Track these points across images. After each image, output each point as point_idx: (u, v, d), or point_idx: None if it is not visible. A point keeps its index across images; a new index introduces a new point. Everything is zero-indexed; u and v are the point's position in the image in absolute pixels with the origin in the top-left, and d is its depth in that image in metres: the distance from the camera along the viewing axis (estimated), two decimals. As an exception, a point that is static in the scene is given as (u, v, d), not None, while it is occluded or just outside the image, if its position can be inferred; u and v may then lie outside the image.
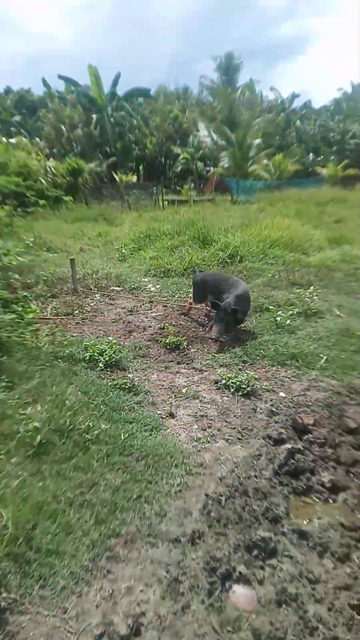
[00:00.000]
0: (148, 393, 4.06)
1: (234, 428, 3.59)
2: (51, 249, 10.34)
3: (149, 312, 6.34)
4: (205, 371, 4.59)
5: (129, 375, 4.28)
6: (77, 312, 6.16)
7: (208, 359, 4.87)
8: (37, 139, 35.19)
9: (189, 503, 2.77)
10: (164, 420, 3.66)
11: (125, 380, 4.10)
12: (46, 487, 2.73)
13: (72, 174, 19.91)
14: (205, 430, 3.55)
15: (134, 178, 32.25)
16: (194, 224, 10.54)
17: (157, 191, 23.51)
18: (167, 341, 5.09)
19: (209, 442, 3.39)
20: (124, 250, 9.73)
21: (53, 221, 15.57)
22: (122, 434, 3.28)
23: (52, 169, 19.05)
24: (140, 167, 37.21)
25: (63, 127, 34.19)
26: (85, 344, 4.74)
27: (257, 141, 28.18)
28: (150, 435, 3.40)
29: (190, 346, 5.19)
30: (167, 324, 5.74)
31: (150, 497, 2.77)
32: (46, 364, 4.31)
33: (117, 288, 7.37)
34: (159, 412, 3.77)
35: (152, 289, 7.38)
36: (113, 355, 4.54)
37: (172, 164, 38.00)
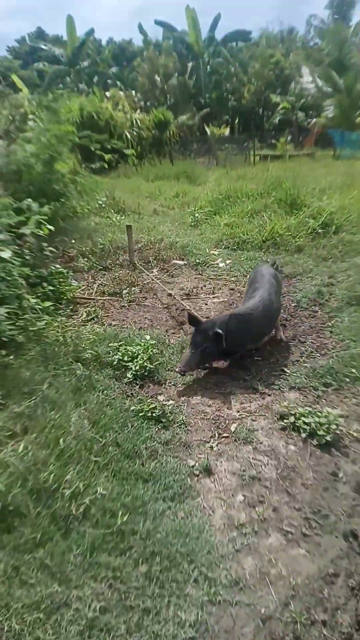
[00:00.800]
0: (183, 426, 2.90)
1: (299, 509, 2.31)
2: (122, 211, 9.32)
3: (211, 296, 5.07)
4: (269, 395, 3.28)
5: (159, 397, 3.13)
6: (125, 291, 5.09)
7: (275, 374, 3.55)
8: (132, 91, 33.86)
9: (203, 666, 1.64)
10: (196, 478, 2.50)
11: (154, 405, 2.97)
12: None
13: (157, 127, 18.50)
14: (254, 507, 2.33)
15: (227, 131, 29.67)
16: (282, 183, 8.76)
17: (250, 145, 21.22)
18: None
19: (255, 533, 2.17)
20: (197, 215, 8.38)
21: (134, 179, 14.56)
22: (122, 512, 2.17)
23: (139, 122, 17.80)
24: (236, 121, 34.34)
25: (157, 77, 32.42)
26: (114, 345, 3.66)
27: (371, 85, 24.00)
28: (169, 509, 2.26)
29: (255, 352, 3.88)
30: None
31: (140, 645, 1.67)
32: (63, 367, 3.33)
33: (179, 262, 6.16)
34: (191, 462, 2.60)
35: (221, 264, 6.04)
36: (147, 362, 3.41)
37: (270, 115, 34.45)
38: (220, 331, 3.32)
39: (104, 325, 4.29)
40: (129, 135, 16.44)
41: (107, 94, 23.81)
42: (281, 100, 31.33)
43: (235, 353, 3.66)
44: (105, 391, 3.14)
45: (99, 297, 4.92)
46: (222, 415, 3.04)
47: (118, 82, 37.24)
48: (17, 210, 4.60)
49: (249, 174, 13.74)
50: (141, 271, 5.84)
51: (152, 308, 4.77)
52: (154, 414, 2.90)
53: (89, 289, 5.23)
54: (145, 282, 5.51)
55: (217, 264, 6.07)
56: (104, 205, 9.39)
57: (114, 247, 6.50)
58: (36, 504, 2.16)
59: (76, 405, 2.91)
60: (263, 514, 2.27)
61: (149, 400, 3.03)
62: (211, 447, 2.73)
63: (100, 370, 3.43)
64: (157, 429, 2.84)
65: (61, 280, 4.57)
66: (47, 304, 3.79)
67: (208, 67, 33.44)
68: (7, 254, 3.66)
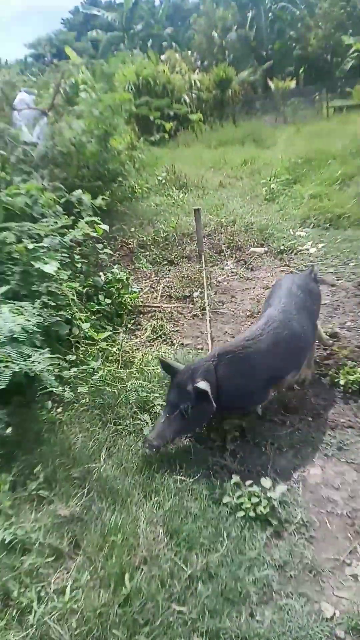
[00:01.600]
0: (303, 530, 1.92)
1: None
2: (184, 186, 8.21)
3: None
4: None
5: (262, 479, 2.13)
6: (197, 294, 4.11)
7: None
8: (188, 52, 31.57)
9: None
10: (340, 647, 1.54)
11: (257, 496, 1.99)
12: None
13: (219, 86, 16.76)
14: None
15: (293, 84, 26.71)
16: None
17: (321, 96, 18.76)
18: (342, 377, 2.74)
19: None
20: (273, 185, 7.05)
21: (194, 147, 13.21)
22: None
23: (198, 83, 16.20)
24: (301, 70, 30.88)
25: (215, 33, 29.84)
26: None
27: None
28: None
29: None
30: (338, 328, 3.33)
31: None
32: (125, 421, 2.46)
33: (258, 249, 5.01)
34: (327, 610, 1.63)
35: (312, 250, 4.82)
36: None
37: (341, 61, 30.52)
38: (203, 385, 2.14)
39: (174, 345, 3.37)
40: (187, 99, 14.98)
41: (163, 57, 22.17)
42: (354, 41, 27.51)
43: (246, 408, 2.50)
44: (184, 466, 2.22)
45: (165, 305, 3.98)
46: None
47: (174, 44, 34.98)
48: (65, 205, 3.73)
49: (325, 130, 11.94)
50: (214, 263, 4.81)
51: (233, 317, 3.76)
52: (258, 511, 1.95)
53: (153, 292, 4.31)
54: (219, 278, 4.48)
55: (307, 249, 4.86)
56: (164, 181, 8.35)
57: (179, 234, 5.48)
58: None
59: (145, 494, 2.03)
60: None
61: (248, 487, 2.05)
62: (355, 577, 1.74)
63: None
64: (265, 536, 1.88)
65: (120, 288, 3.68)
66: (103, 334, 2.90)
67: (270, 14, 30.22)
68: (52, 267, 2.80)
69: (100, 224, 3.34)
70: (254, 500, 1.96)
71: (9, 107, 5.56)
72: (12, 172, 3.88)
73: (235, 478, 2.10)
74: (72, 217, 3.45)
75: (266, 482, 2.05)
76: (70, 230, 3.17)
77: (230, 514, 1.95)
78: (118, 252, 5.34)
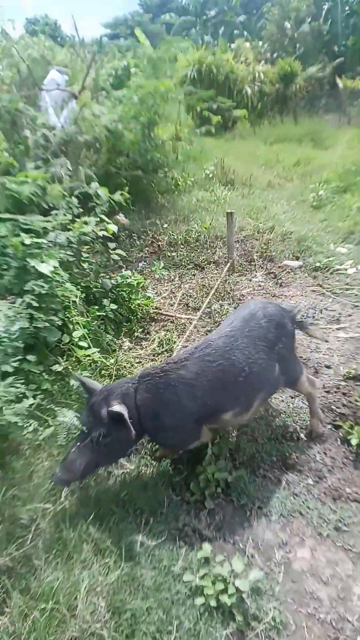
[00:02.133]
0: (272, 634, 1.54)
1: None
2: (231, 183, 7.70)
3: (335, 326, 3.44)
4: None
5: (235, 557, 1.74)
6: (215, 306, 3.71)
7: None
8: (259, 42, 30.14)
9: None
10: None
11: (224, 581, 1.63)
12: None
13: (283, 80, 15.83)
14: None
15: (364, 82, 24.85)
16: None
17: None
18: (356, 435, 2.29)
19: None
20: (321, 192, 6.41)
21: (250, 141, 12.54)
22: None
23: (262, 75, 15.34)
24: (375, 68, 28.75)
25: (287, 24, 28.26)
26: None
27: None
28: None
29: None
30: (363, 369, 2.85)
31: None
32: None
33: (292, 263, 4.50)
34: None
35: (351, 270, 4.27)
36: (226, 464, 2.07)
37: None
38: (117, 408, 1.74)
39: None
40: (249, 91, 14.22)
41: (232, 45, 21.17)
42: None
43: (176, 445, 2.09)
44: (150, 521, 1.88)
45: (180, 315, 3.62)
46: (349, 615, 1.61)
47: (245, 32, 33.55)
48: (84, 196, 3.42)
49: (390, 136, 10.97)
50: (242, 273, 4.38)
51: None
52: (221, 602, 1.59)
53: (172, 297, 3.96)
54: (245, 290, 4.05)
55: (345, 269, 4.32)
56: (211, 175, 7.89)
57: (212, 236, 5.05)
58: None
59: (96, 552, 1.72)
60: None
61: (217, 565, 1.69)
62: None
63: (159, 463, 2.19)
64: (224, 635, 1.52)
65: (131, 292, 3.35)
66: (88, 351, 2.55)
67: (347, 8, 28.23)
68: (47, 267, 2.51)
69: (110, 223, 2.99)
70: (219, 586, 1.61)
71: (35, 87, 5.16)
72: (27, 157, 3.58)
73: (206, 549, 1.75)
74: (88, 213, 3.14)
75: (239, 563, 1.68)
76: (73, 226, 2.85)
77: (188, 597, 1.61)
78: (147, 249, 5.01)
